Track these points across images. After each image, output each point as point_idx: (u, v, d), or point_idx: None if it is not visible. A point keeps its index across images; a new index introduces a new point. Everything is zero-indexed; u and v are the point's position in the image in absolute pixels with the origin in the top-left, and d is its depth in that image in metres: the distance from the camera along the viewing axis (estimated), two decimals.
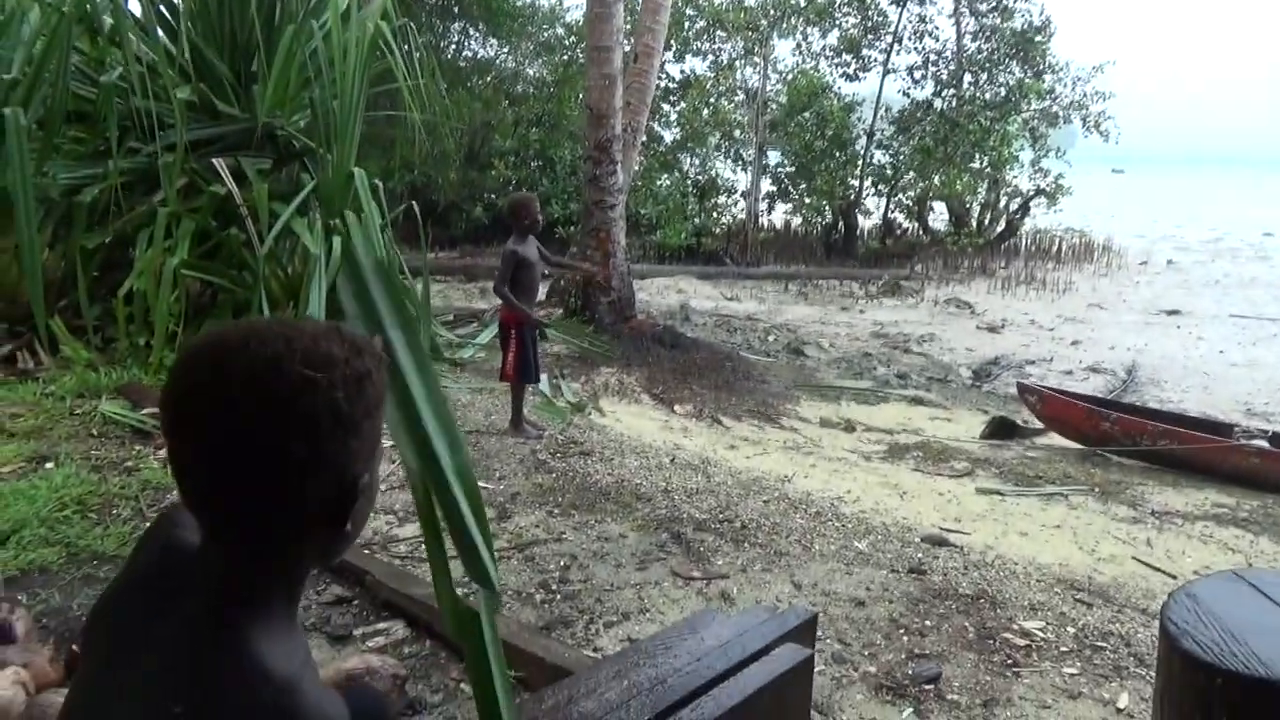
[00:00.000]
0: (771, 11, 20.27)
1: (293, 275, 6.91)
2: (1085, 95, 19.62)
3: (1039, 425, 7.63)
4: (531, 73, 21.67)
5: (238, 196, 6.55)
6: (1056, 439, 7.48)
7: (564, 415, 6.32)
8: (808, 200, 19.75)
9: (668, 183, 19.01)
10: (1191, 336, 12.79)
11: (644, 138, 11.95)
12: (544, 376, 6.99)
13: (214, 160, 6.63)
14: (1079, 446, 7.24)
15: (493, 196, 18.90)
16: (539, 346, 5.97)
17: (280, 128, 7.33)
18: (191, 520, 0.98)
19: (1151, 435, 6.83)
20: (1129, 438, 6.88)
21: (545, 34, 21.16)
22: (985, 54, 19.30)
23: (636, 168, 18.92)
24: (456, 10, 20.21)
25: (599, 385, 7.61)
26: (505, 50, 21.75)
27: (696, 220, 18.58)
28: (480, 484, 4.71)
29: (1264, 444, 6.76)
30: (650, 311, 12.59)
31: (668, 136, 20.89)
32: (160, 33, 7.06)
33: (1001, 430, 7.49)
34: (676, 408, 7.49)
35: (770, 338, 11.58)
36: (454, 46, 21.40)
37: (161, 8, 7.05)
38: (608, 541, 4.03)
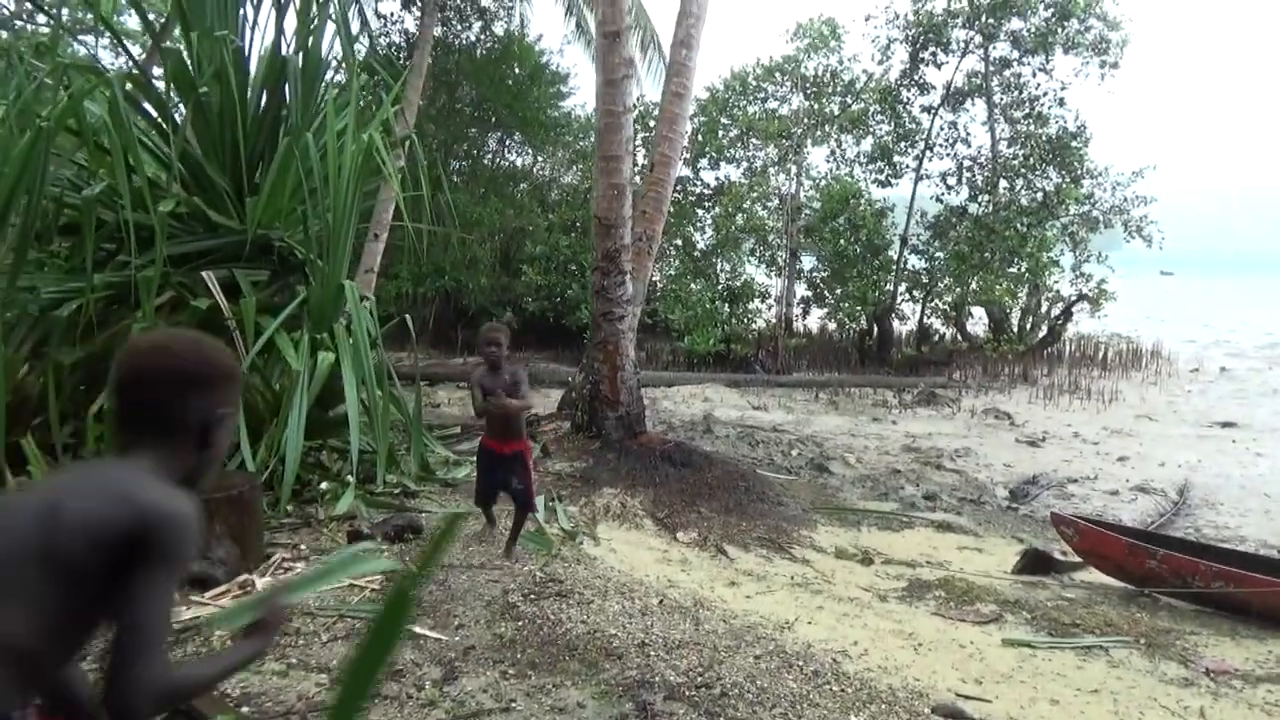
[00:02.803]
0: (805, 120, 20.41)
1: (280, 391, 6.65)
2: (1126, 200, 19.24)
3: (1079, 560, 6.96)
4: (566, 180, 21.97)
5: (225, 310, 6.37)
6: (1098, 575, 6.80)
7: (551, 546, 5.86)
8: (842, 305, 19.44)
9: (698, 288, 18.85)
10: (1249, 452, 11.99)
11: (660, 246, 11.71)
12: (540, 500, 6.58)
13: (203, 273, 6.48)
14: (1123, 585, 6.56)
15: (527, 301, 18.89)
16: (501, 472, 5.56)
17: (280, 239, 7.21)
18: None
19: (1205, 576, 6.14)
20: (1178, 578, 6.21)
21: (580, 143, 21.50)
22: (1020, 160, 19.12)
23: (656, 277, 18.96)
24: (494, 121, 20.66)
25: (599, 508, 7.16)
26: (541, 159, 22.13)
27: (727, 326, 18.31)
28: (434, 634, 4.27)
29: None
30: (671, 423, 12.19)
31: (701, 242, 20.88)
32: (159, 144, 7.05)
33: (1036, 565, 6.84)
34: (680, 534, 6.99)
35: (794, 452, 11.05)
36: (491, 156, 21.84)
37: (161, 120, 7.03)
38: (560, 714, 3.53)
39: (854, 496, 9.21)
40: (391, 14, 18.98)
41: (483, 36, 19.70)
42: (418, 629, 4.24)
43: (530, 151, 21.78)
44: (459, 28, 19.53)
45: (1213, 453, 11.88)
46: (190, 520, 1.53)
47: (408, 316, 7.94)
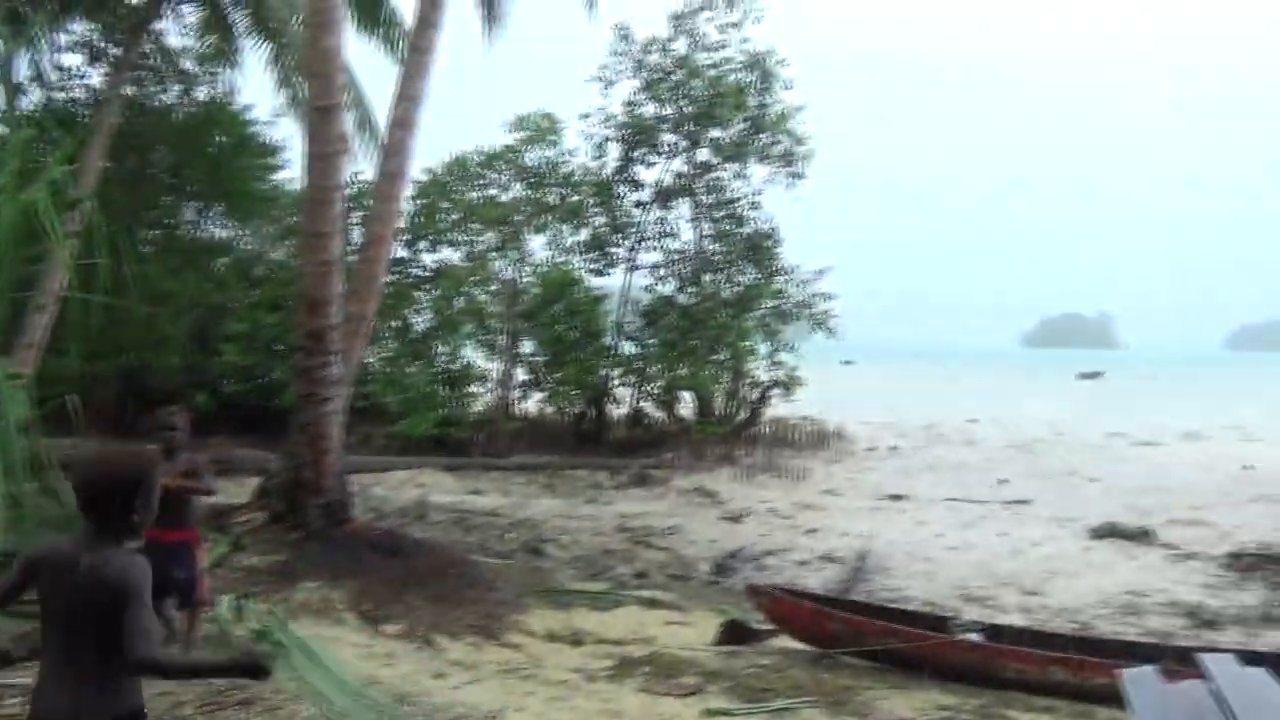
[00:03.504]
0: (525, 208, 20.91)
1: None
2: (811, 296, 21.29)
3: (773, 626, 7.42)
4: (274, 256, 20.83)
5: None
6: (790, 641, 7.28)
7: (238, 649, 5.33)
8: (560, 389, 19.82)
9: (415, 371, 18.46)
10: (913, 521, 13.48)
11: (374, 327, 11.39)
12: (227, 599, 6.02)
13: None
14: (811, 648, 7.06)
15: (226, 382, 17.51)
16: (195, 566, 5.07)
17: None
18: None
19: (876, 634, 6.77)
20: (855, 637, 6.79)
21: (291, 218, 20.54)
22: (722, 255, 20.74)
23: (371, 359, 18.42)
24: (192, 190, 19.28)
25: (296, 604, 6.65)
26: (246, 232, 20.87)
27: (445, 410, 18.03)
28: None
29: (978, 637, 6.87)
30: (382, 510, 11.72)
31: (419, 324, 20.54)
32: None
33: (734, 635, 7.20)
34: (385, 627, 6.65)
35: (510, 535, 10.99)
36: (189, 227, 20.28)
37: None
38: None
39: (568, 578, 9.27)
40: (74, 68, 17.31)
41: (183, 100, 18.45)
42: None
43: (234, 224, 20.49)
44: (155, 89, 18.17)
45: (885, 523, 13.23)
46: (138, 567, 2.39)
47: (73, 398, 7.06)
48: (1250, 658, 5.62)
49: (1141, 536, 12.03)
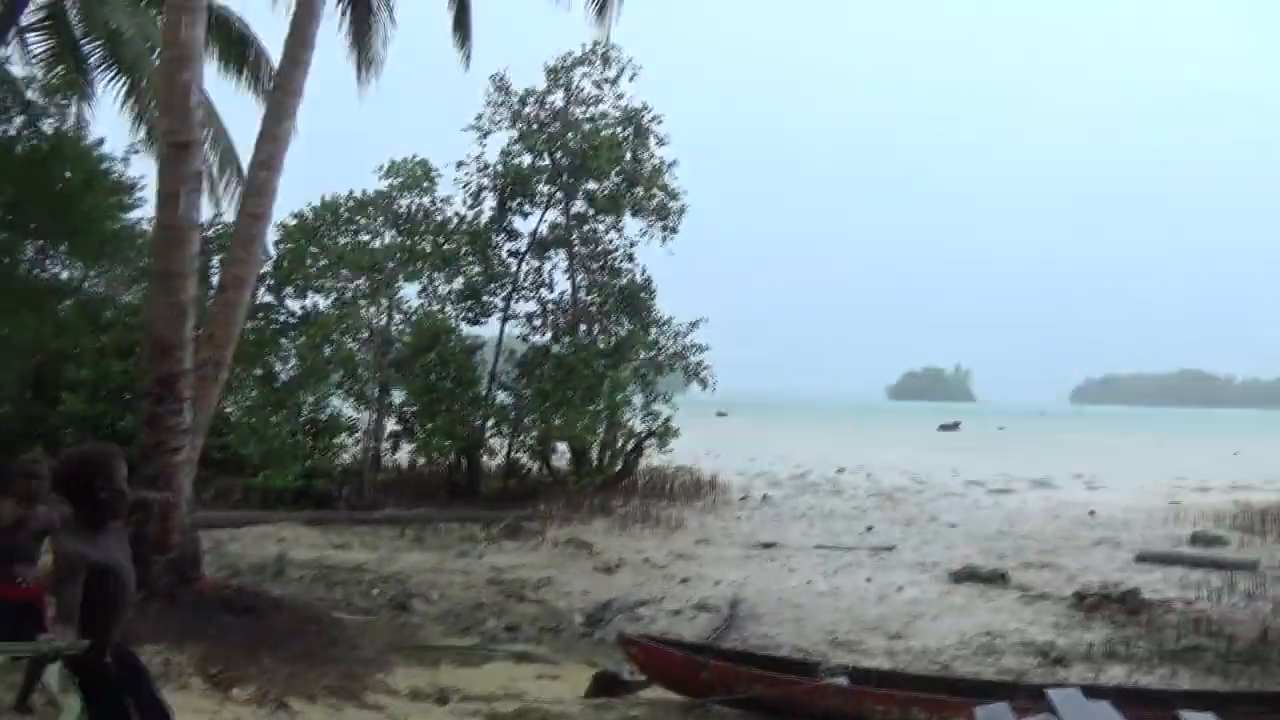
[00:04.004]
0: (398, 255, 20.52)
1: None
2: (686, 347, 21.61)
3: (644, 677, 7.33)
4: (125, 299, 19.72)
5: None
6: (662, 692, 7.21)
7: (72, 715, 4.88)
8: (432, 440, 19.37)
9: (278, 421, 17.70)
10: (785, 569, 13.67)
11: (233, 374, 10.89)
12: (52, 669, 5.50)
13: None
14: (682, 698, 7.01)
15: (66, 433, 16.33)
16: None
17: None
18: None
19: (746, 681, 6.78)
20: (726, 686, 6.78)
21: (145, 259, 19.52)
22: (597, 306, 20.87)
23: (231, 408, 17.58)
24: (33, 227, 18.09)
25: None
26: (93, 273, 19.69)
27: (309, 461, 17.32)
28: None
29: (844, 681, 6.97)
30: (238, 566, 11.11)
31: (283, 373, 19.76)
32: None
33: (606, 687, 7.08)
34: (235, 691, 6.23)
35: (375, 591, 10.56)
36: (28, 266, 18.98)
37: None
38: None
39: (436, 633, 8.95)
40: None
41: (26, 132, 17.38)
42: None
43: (81, 265, 19.29)
44: None
45: (757, 570, 13.38)
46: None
47: None
48: (1095, 692, 5.92)
49: (997, 579, 12.55)
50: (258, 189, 9.57)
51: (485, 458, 20.28)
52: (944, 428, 66.19)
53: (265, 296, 19.71)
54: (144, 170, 18.64)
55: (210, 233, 17.72)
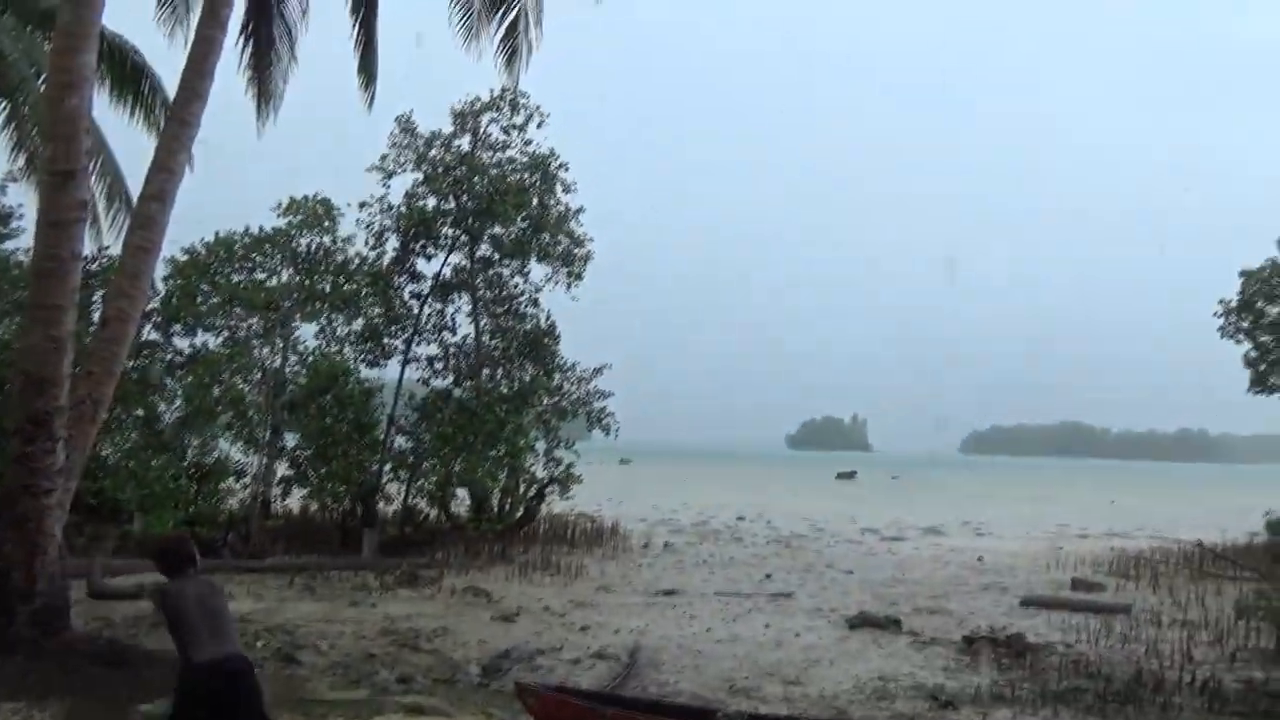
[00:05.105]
0: (295, 294, 20.02)
1: None
2: (589, 393, 21.60)
3: None
4: None
5: None
6: None
7: None
8: (326, 485, 18.78)
9: (160, 464, 16.89)
10: (686, 616, 13.64)
11: (113, 414, 10.39)
12: None
13: None
14: None
15: None
16: None
17: None
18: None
19: None
20: None
21: (21, 292, 18.54)
22: (500, 351, 20.73)
23: (108, 450, 16.73)
24: None
25: None
26: None
27: (193, 507, 16.56)
28: None
29: None
30: (111, 618, 10.47)
31: (168, 414, 18.92)
32: None
33: None
34: None
35: (260, 643, 10.08)
36: None
37: None
38: None
39: (324, 686, 8.59)
40: None
41: None
42: None
43: None
44: None
45: (657, 618, 13.30)
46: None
47: None
48: None
49: (891, 625, 12.78)
50: (146, 221, 9.22)
51: (381, 504, 19.76)
52: (841, 476, 67.69)
53: (151, 334, 18.92)
54: (22, 199, 17.78)
55: (95, 266, 16.98)
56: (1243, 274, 19.97)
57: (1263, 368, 19.63)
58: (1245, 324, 19.90)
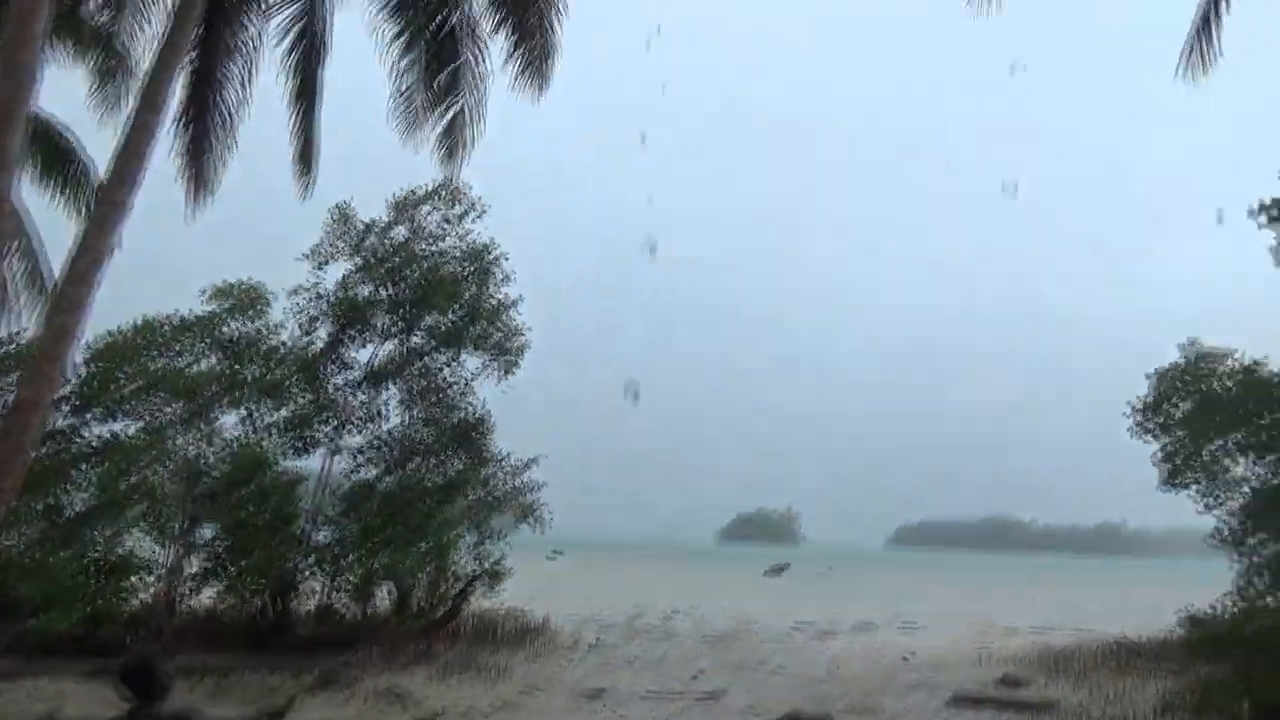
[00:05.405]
0: (219, 381, 19.56)
1: None
2: (520, 486, 21.30)
3: None
4: None
5: None
6: None
7: None
8: (243, 580, 18.04)
9: (64, 558, 16.06)
10: (613, 716, 13.32)
11: (14, 504, 9.92)
12: None
13: None
14: None
15: None
16: None
17: None
18: None
19: None
20: None
21: None
22: (430, 441, 20.41)
23: (12, 542, 15.87)
24: None
25: None
26: None
27: (98, 603, 15.72)
28: None
29: None
30: None
31: (75, 505, 18.06)
32: None
33: None
34: None
35: None
36: None
37: None
38: None
39: None
40: None
41: None
42: None
43: None
44: None
45: (586, 717, 12.95)
46: None
47: None
48: None
49: None
50: (68, 304, 8.99)
51: (300, 601, 19.02)
52: (773, 570, 67.42)
53: (62, 420, 18.21)
54: None
55: (12, 348, 16.45)
56: (1153, 373, 20.85)
57: (1173, 464, 20.32)
58: (1156, 422, 20.67)
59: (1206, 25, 11.17)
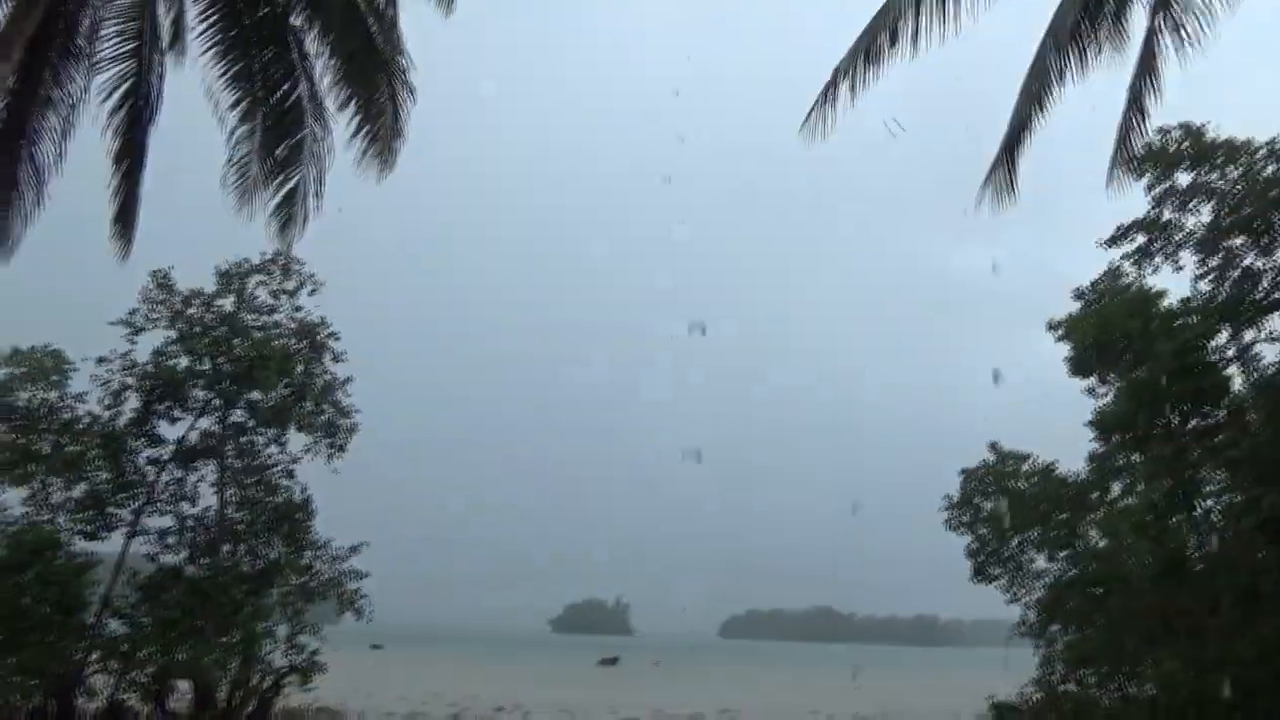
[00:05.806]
0: (6, 455, 17.83)
1: None
2: (341, 574, 20.21)
3: None
4: None
5: None
6: None
7: None
8: (13, 679, 16.14)
9: None
10: None
11: None
12: None
13: None
14: None
15: None
16: None
17: None
18: None
19: None
20: None
21: None
22: (246, 525, 19.15)
23: None
24: None
25: None
26: None
27: None
28: None
29: None
30: None
31: None
32: None
33: None
34: None
35: None
36: None
37: None
38: None
39: None
40: None
41: None
42: None
43: None
44: None
45: None
46: None
47: None
48: None
49: None
50: None
51: (83, 700, 17.16)
52: (604, 662, 66.40)
53: None
54: None
55: None
56: (962, 473, 22.28)
57: (981, 559, 21.61)
58: (965, 518, 21.99)
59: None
